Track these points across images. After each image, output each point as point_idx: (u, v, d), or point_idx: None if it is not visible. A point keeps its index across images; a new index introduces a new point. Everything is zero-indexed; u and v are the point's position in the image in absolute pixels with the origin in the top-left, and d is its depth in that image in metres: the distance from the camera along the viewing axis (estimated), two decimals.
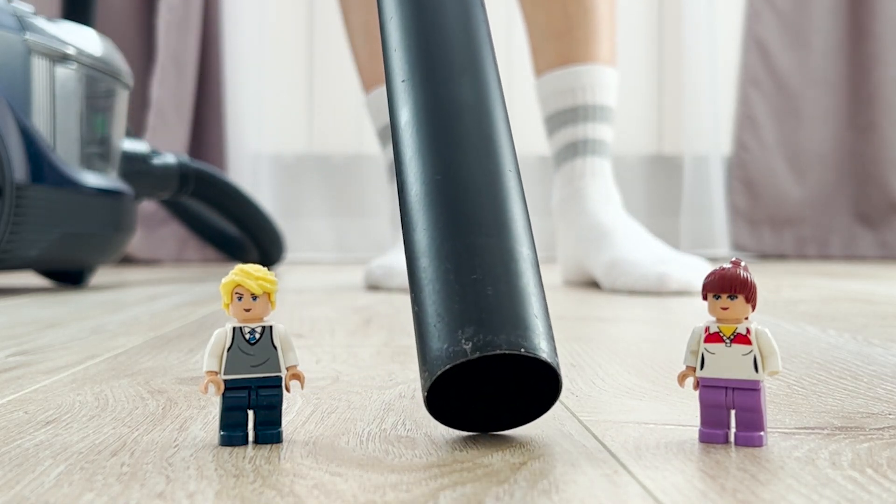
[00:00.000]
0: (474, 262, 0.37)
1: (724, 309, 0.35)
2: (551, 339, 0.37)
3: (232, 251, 1.88)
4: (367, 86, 1.44)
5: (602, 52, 1.29)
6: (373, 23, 1.37)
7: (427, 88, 0.42)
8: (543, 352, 0.36)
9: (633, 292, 1.14)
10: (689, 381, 0.36)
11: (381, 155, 1.49)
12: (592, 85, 1.28)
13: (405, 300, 1.06)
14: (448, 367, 0.35)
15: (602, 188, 1.28)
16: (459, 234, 0.38)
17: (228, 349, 0.36)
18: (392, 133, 0.43)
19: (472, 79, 0.43)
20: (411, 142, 0.41)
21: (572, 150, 1.30)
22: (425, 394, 0.36)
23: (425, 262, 0.38)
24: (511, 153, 0.42)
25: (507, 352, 0.35)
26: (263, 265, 0.37)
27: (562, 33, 1.28)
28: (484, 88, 0.43)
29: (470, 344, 0.35)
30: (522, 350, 0.35)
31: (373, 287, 1.26)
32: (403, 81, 0.43)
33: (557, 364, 0.36)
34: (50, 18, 1.23)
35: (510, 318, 0.36)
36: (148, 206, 2.05)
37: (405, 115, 0.42)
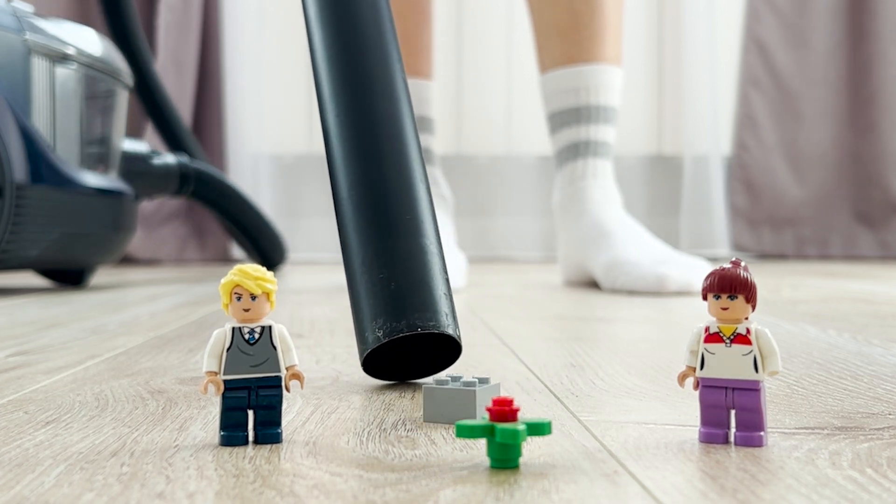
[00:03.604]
0: (382, 263, 0.48)
1: (724, 309, 0.35)
2: (450, 313, 0.48)
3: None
4: None
5: (607, 52, 1.28)
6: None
7: (356, 124, 0.53)
8: (440, 324, 0.47)
9: (632, 292, 1.14)
10: (689, 381, 0.36)
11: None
12: (596, 86, 1.28)
13: None
14: (368, 351, 0.47)
15: (603, 189, 1.28)
16: (372, 239, 0.49)
17: (228, 349, 0.36)
18: (328, 159, 0.54)
19: (391, 125, 0.53)
20: (342, 165, 0.52)
21: (574, 151, 1.29)
22: (361, 364, 0.49)
23: (348, 263, 0.50)
24: (422, 170, 0.53)
25: (407, 334, 0.46)
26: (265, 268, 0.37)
27: (567, 31, 1.28)
28: (400, 131, 0.54)
29: (381, 331, 0.47)
30: (419, 329, 0.47)
31: None
32: (339, 117, 0.54)
33: (455, 331, 0.48)
34: (50, 18, 1.22)
35: (410, 305, 0.47)
36: (148, 206, 2.05)
37: (337, 149, 0.53)
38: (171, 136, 1.63)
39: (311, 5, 0.58)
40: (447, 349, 0.50)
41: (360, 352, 0.48)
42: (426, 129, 1.42)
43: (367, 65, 0.55)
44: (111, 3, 1.52)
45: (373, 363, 0.49)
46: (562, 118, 1.30)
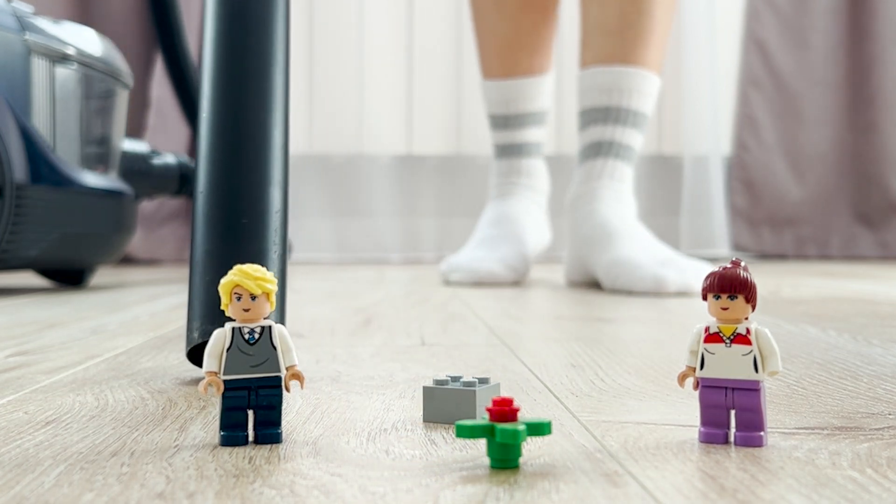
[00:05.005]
0: (211, 265, 0.51)
1: (724, 309, 0.35)
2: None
3: None
4: (486, 74, 1.48)
5: (648, 57, 1.28)
6: (507, 6, 1.41)
7: (222, 122, 0.56)
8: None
9: (631, 293, 1.14)
10: (689, 381, 0.36)
11: (488, 137, 1.55)
12: (631, 89, 1.27)
13: (407, 300, 1.06)
14: (189, 348, 0.51)
15: (617, 193, 1.28)
16: (208, 239, 0.51)
17: (228, 349, 0.36)
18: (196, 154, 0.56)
19: (255, 127, 0.56)
20: (202, 160, 0.54)
21: (596, 150, 1.29)
22: (186, 356, 0.52)
23: (190, 259, 0.52)
24: (280, 175, 0.55)
25: None
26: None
27: (612, 31, 1.27)
28: (264, 134, 0.57)
29: (198, 333, 0.50)
30: None
31: (445, 281, 1.37)
32: (208, 116, 0.56)
33: None
34: (50, 18, 1.23)
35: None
36: (148, 206, 2.05)
37: (202, 144, 0.55)
38: None
39: (208, 3, 0.60)
40: None
41: (186, 345, 0.52)
42: (537, 123, 1.46)
43: (245, 66, 0.57)
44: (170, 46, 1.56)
45: (198, 354, 0.53)
46: (591, 115, 1.30)
